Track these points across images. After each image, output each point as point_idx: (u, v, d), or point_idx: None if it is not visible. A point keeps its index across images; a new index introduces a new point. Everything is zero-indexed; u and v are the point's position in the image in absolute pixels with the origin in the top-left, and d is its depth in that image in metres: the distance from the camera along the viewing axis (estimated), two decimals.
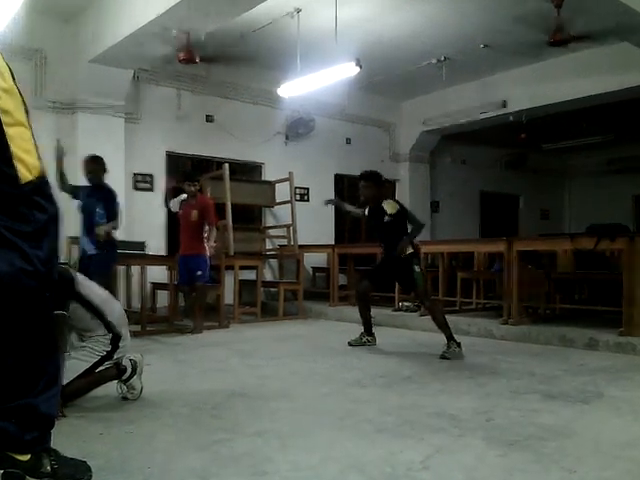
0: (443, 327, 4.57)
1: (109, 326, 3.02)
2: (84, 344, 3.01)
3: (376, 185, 4.89)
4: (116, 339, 3.06)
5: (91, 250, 5.25)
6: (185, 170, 7.40)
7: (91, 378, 3.04)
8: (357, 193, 5.21)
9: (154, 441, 2.41)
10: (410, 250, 4.70)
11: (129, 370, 3.11)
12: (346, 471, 2.07)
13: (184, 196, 6.13)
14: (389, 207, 4.74)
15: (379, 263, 5.16)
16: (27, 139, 1.63)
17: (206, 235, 5.98)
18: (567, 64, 7.80)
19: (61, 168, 5.14)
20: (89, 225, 5.23)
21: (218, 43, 6.97)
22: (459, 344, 4.51)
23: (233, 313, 6.74)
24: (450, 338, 4.52)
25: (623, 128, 10.15)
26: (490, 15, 6.63)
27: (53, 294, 1.80)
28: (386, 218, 4.73)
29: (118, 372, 3.09)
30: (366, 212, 5.06)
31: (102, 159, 5.28)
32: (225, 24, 5.94)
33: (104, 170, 5.29)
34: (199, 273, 5.85)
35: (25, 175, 1.61)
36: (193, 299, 6.13)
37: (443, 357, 4.40)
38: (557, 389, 3.37)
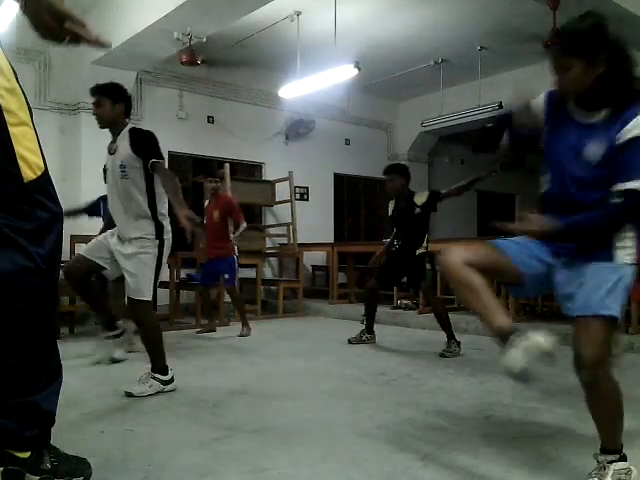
0: (446, 325, 4.58)
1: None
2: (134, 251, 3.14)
3: (402, 177, 4.81)
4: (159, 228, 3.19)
5: None
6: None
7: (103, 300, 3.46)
8: (356, 192, 5.21)
9: (154, 439, 2.43)
10: (424, 249, 4.72)
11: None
12: (346, 468, 2.09)
13: (206, 202, 6.05)
14: (419, 198, 4.69)
15: (389, 259, 5.00)
16: (31, 139, 1.65)
17: (234, 235, 5.81)
18: None
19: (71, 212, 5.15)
20: None
21: (219, 45, 7.00)
22: (459, 343, 4.53)
23: (234, 311, 6.76)
24: (451, 337, 4.54)
25: None
26: (487, 18, 6.66)
27: (55, 292, 1.81)
28: (417, 210, 4.70)
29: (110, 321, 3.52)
30: (390, 208, 5.00)
31: None
32: (226, 27, 5.97)
33: None
34: (227, 277, 5.71)
35: (28, 174, 1.62)
36: (210, 301, 6.06)
37: (443, 355, 4.42)
38: (555, 387, 3.38)
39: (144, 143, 3.15)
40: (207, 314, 6.04)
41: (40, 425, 1.73)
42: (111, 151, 3.25)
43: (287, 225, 8.27)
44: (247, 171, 8.75)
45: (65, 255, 5.90)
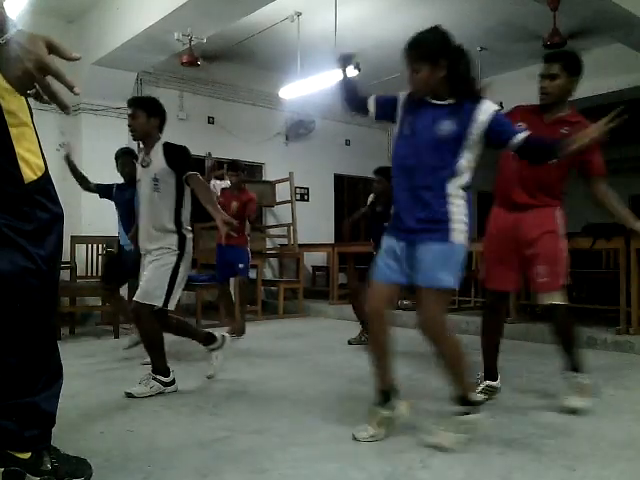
0: None
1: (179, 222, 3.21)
2: (154, 257, 3.16)
3: (388, 180, 4.87)
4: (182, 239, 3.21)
5: (131, 246, 5.00)
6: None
7: (184, 326, 3.45)
8: (357, 193, 5.22)
9: (155, 439, 2.43)
10: None
11: (219, 341, 3.49)
12: (346, 469, 2.09)
13: (227, 183, 5.86)
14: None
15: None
16: (31, 139, 1.65)
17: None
18: None
19: (74, 167, 4.81)
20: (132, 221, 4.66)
21: (220, 46, 7.01)
22: None
23: (234, 311, 6.76)
24: None
25: (619, 129, 10.18)
26: (487, 18, 6.66)
27: (55, 293, 1.82)
28: (387, 224, 4.75)
29: (207, 338, 3.48)
30: (369, 199, 5.05)
31: (135, 152, 4.92)
32: (227, 27, 5.97)
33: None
34: (241, 266, 5.49)
35: (29, 175, 1.62)
36: (229, 296, 5.79)
37: None
38: (555, 387, 3.38)
39: (179, 157, 3.24)
40: (228, 314, 5.75)
41: (40, 426, 1.73)
42: (143, 164, 3.31)
43: (287, 226, 8.28)
44: (247, 172, 8.73)
45: (66, 256, 5.88)
